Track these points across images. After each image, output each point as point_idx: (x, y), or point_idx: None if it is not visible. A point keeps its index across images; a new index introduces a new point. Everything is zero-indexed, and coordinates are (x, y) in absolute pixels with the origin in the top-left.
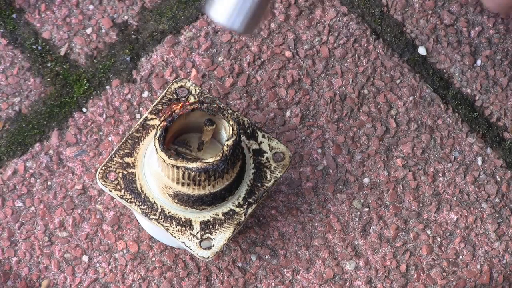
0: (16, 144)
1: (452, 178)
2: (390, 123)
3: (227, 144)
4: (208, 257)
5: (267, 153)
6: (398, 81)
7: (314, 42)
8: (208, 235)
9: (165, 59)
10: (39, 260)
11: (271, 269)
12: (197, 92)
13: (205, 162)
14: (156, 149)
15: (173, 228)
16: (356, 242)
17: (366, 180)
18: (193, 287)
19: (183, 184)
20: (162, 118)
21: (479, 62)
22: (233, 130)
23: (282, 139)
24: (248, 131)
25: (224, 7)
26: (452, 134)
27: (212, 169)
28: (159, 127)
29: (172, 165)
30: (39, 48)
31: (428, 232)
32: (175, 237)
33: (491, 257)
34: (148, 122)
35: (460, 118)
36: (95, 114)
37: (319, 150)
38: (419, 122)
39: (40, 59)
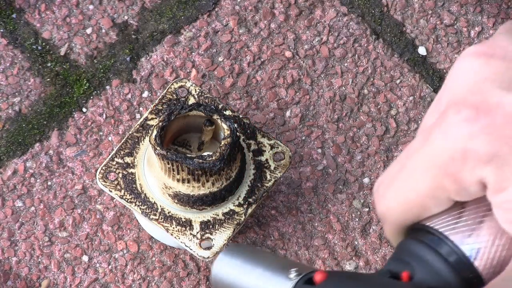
0: (16, 144)
1: None
2: (390, 123)
3: (224, 143)
4: (208, 257)
5: (267, 153)
6: (398, 81)
7: (314, 42)
8: (208, 235)
9: (165, 59)
10: (39, 260)
11: None
12: (197, 92)
13: (201, 159)
14: (153, 148)
15: (173, 228)
16: (356, 242)
17: (366, 180)
18: (193, 287)
19: (183, 182)
20: (161, 119)
21: None
22: (230, 130)
23: (282, 139)
24: (248, 131)
25: None
26: None
27: (207, 167)
28: (155, 127)
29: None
30: (39, 48)
31: None
32: (175, 237)
33: None
34: (148, 122)
35: None
36: (95, 114)
37: (319, 150)
38: (419, 122)
39: (40, 59)
